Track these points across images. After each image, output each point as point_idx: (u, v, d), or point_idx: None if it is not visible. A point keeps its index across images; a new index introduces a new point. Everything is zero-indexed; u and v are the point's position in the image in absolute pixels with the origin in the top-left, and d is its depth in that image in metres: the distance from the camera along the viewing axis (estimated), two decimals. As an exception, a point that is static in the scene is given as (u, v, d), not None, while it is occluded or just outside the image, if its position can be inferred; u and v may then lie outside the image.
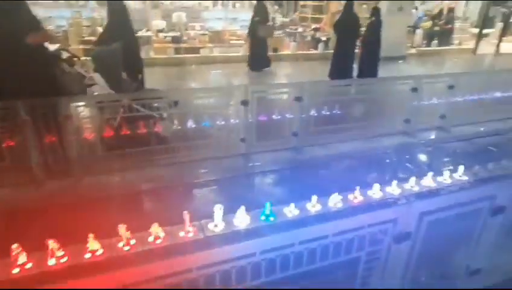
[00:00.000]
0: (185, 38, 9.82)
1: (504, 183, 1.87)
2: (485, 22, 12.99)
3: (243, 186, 3.67)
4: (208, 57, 9.75)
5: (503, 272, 2.27)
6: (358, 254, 1.62)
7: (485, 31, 13.19)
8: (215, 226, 1.42)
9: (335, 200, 1.58)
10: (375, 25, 7.55)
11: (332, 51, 8.11)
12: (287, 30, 11.41)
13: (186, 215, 1.38)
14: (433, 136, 4.88)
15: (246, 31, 9.45)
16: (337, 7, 12.31)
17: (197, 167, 3.80)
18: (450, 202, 1.74)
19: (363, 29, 7.99)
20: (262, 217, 1.48)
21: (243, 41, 10.30)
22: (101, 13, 9.38)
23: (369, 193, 1.67)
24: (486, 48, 12.98)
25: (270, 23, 9.96)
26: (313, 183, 3.39)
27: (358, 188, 1.65)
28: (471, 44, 13.00)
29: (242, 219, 1.46)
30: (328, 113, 4.69)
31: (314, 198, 1.57)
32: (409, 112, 4.74)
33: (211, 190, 3.54)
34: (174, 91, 5.40)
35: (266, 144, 4.16)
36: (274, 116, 4.49)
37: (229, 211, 1.48)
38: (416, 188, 1.72)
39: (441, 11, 13.14)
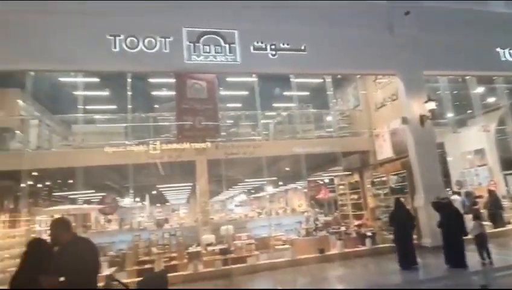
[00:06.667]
0: (232, 248, 10.13)
1: None
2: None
3: None
4: (254, 265, 9.67)
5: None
6: None
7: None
8: None
9: None
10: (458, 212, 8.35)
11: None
12: (331, 230, 11.60)
13: None
14: None
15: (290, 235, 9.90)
16: (375, 202, 12.81)
17: None
18: None
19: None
20: None
21: (287, 246, 10.46)
22: (157, 234, 10.48)
23: None
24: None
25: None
26: None
27: None
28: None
29: None
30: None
31: None
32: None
33: None
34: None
35: None
36: None
37: None
38: None
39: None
